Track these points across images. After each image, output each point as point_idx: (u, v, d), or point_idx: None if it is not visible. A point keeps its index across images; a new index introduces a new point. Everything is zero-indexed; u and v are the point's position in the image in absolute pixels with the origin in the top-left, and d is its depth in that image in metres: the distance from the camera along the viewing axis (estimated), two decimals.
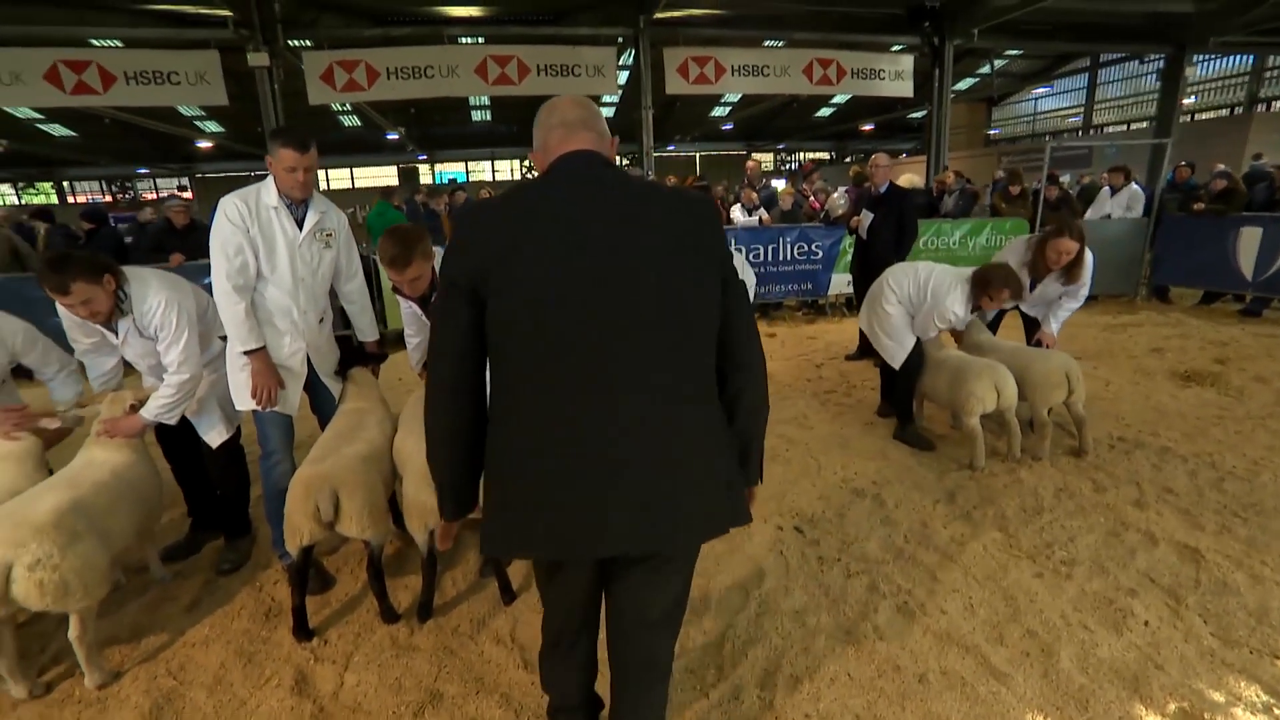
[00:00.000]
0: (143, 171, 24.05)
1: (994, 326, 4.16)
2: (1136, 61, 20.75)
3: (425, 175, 28.73)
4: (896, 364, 3.75)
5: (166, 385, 2.52)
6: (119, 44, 9.31)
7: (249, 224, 2.43)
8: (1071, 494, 3.13)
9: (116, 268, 2.43)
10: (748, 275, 3.60)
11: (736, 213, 7.11)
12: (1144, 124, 20.29)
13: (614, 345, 1.15)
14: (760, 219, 7.02)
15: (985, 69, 19.99)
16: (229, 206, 2.43)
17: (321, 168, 25.35)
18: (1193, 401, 4.32)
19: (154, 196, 23.07)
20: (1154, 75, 19.11)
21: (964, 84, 22.08)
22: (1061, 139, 22.74)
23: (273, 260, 2.51)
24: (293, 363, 2.65)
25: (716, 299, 1.24)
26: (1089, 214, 7.82)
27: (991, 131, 25.49)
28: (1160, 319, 6.83)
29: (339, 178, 28.04)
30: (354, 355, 2.96)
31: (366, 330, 3.00)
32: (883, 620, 2.28)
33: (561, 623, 1.49)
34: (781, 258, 6.99)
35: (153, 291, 2.47)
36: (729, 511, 1.30)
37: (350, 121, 22.98)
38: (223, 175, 24.97)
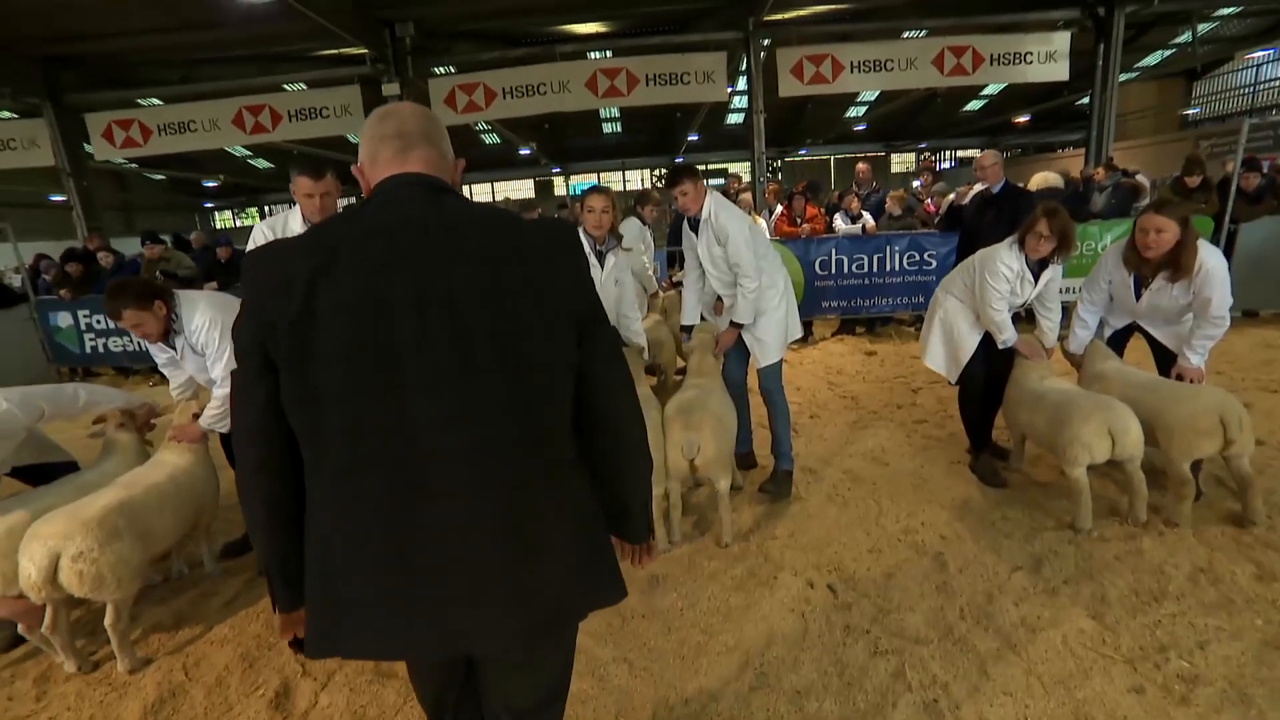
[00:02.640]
0: None
1: (1118, 350, 3.38)
2: None
3: (560, 187, 30.16)
4: (952, 377, 3.33)
5: (215, 397, 2.74)
6: (304, 86, 10.69)
7: None
8: (1217, 579, 2.41)
9: (168, 293, 2.67)
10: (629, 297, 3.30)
11: (838, 221, 6.54)
12: None
13: (436, 421, 0.98)
14: (864, 227, 6.40)
15: (1184, 36, 16.93)
16: (257, 233, 2.59)
17: (465, 183, 27.45)
18: None
19: None
20: None
21: (1152, 58, 18.91)
22: None
23: None
24: None
25: (570, 351, 1.05)
26: None
27: (1190, 111, 21.57)
28: None
29: (481, 192, 30.21)
30: None
31: None
32: (900, 719, 1.87)
33: (431, 705, 1.33)
34: (889, 268, 6.31)
35: (199, 312, 2.69)
36: (590, 592, 1.13)
37: (491, 139, 24.77)
38: None
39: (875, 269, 6.33)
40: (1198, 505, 2.81)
